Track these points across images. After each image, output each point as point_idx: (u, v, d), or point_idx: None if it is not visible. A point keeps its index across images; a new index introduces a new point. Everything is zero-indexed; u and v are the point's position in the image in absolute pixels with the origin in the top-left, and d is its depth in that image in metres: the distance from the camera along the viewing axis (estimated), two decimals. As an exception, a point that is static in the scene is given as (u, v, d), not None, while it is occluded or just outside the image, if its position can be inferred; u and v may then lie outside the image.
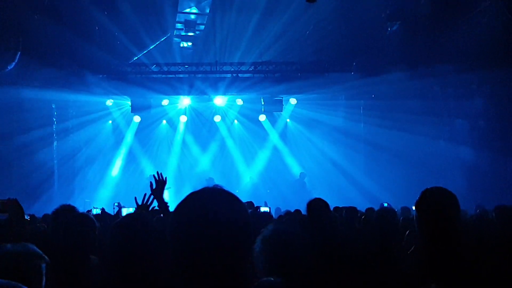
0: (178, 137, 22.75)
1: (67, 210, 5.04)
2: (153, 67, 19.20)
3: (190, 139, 22.80)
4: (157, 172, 4.97)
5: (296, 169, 22.31)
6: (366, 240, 5.57)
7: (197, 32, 19.45)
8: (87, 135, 21.50)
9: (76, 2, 16.63)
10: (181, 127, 22.62)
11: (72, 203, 6.30)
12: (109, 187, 21.51)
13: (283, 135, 23.01)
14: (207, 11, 18.56)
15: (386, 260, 4.65)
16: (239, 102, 21.39)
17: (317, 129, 22.22)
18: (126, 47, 18.42)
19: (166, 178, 5.01)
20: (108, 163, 22.16)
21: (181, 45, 20.29)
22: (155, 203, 5.09)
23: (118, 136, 22.42)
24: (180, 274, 1.90)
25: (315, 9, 17.46)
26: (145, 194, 5.01)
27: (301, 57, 19.53)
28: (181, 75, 19.36)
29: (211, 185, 2.10)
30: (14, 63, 15.11)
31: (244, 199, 2.16)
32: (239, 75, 19.30)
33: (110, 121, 22.27)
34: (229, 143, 22.87)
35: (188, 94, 20.21)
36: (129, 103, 20.20)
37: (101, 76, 18.48)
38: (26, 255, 2.93)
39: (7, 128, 17.71)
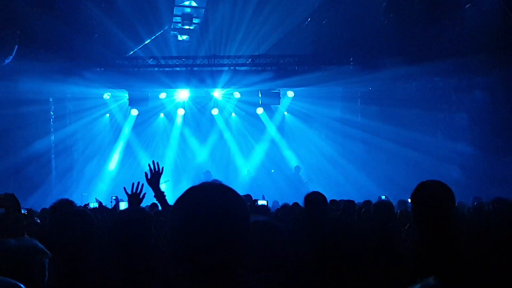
0: (176, 130, 22.72)
1: (65, 205, 5.04)
2: (151, 61, 19.16)
3: (187, 132, 22.78)
4: (153, 162, 4.89)
5: (293, 162, 22.32)
6: (364, 232, 5.58)
7: (194, 25, 19.41)
8: (85, 128, 21.49)
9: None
10: (179, 120, 22.57)
11: (69, 197, 6.31)
12: (106, 181, 21.48)
13: (281, 128, 22.99)
14: (204, 4, 18.51)
15: (384, 253, 4.67)
16: (237, 95, 21.37)
17: (314, 122, 22.22)
18: (124, 41, 18.37)
19: (162, 168, 4.91)
20: (106, 157, 22.13)
21: (179, 38, 20.25)
22: (147, 192, 5.00)
23: (115, 130, 22.39)
24: (180, 268, 1.91)
25: (312, 2, 17.47)
26: (133, 184, 4.95)
27: (299, 50, 19.51)
28: (178, 68, 19.33)
29: (208, 178, 2.11)
30: (11, 57, 15.08)
31: (241, 192, 2.17)
32: (237, 68, 19.27)
33: (108, 115, 22.23)
34: (227, 136, 22.85)
35: (186, 87, 20.19)
36: (127, 96, 20.16)
37: (98, 69, 18.43)
38: (30, 250, 2.93)
39: (4, 122, 17.69)
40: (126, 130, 22.22)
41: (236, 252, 1.92)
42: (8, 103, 17.69)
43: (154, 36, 19.25)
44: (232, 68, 19.20)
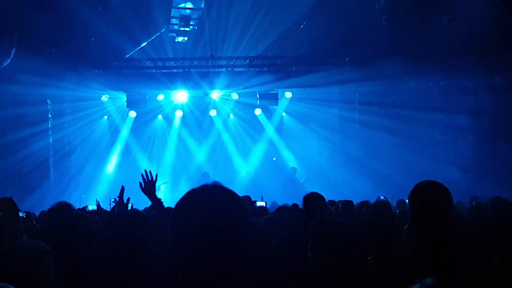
0: (174, 132, 22.74)
1: (63, 208, 5.04)
2: (148, 62, 19.18)
3: (186, 134, 22.80)
4: (145, 171, 4.89)
5: (292, 162, 22.34)
6: (363, 233, 5.58)
7: (192, 27, 19.41)
8: (83, 130, 21.48)
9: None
10: (177, 121, 22.60)
11: (68, 199, 6.29)
12: (105, 183, 21.49)
13: (279, 129, 23.02)
14: (202, 5, 18.51)
15: (383, 253, 4.67)
16: (235, 96, 21.38)
17: (312, 122, 22.24)
18: (121, 43, 18.37)
19: (156, 175, 4.92)
20: (104, 159, 22.14)
21: (176, 39, 20.25)
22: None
23: (113, 132, 22.40)
24: (182, 271, 1.91)
25: (309, 2, 17.47)
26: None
27: (296, 51, 19.52)
28: (176, 70, 19.34)
29: (206, 179, 2.11)
30: (9, 60, 15.08)
31: (240, 193, 2.17)
32: (234, 69, 19.29)
33: (106, 117, 22.24)
34: (225, 137, 22.88)
35: (184, 88, 20.20)
36: (125, 98, 20.16)
37: (96, 71, 18.44)
38: (37, 252, 2.94)
39: (2, 123, 17.68)
40: (125, 132, 22.23)
41: (238, 254, 1.92)
42: (5, 105, 17.67)
43: (152, 38, 19.26)
44: (229, 69, 19.23)
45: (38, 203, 15.18)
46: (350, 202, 8.32)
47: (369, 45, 17.57)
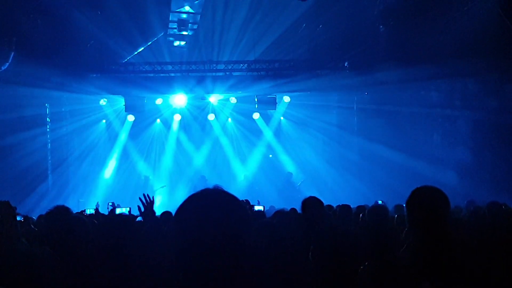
0: (172, 136, 22.74)
1: (61, 211, 5.03)
2: (147, 66, 19.20)
3: (184, 138, 22.80)
4: (144, 195, 4.97)
5: (290, 166, 22.36)
6: (360, 237, 5.58)
7: (191, 31, 19.44)
8: (81, 134, 21.46)
9: (71, 2, 16.60)
10: (175, 125, 22.60)
11: (66, 203, 6.29)
12: (103, 187, 21.48)
13: (277, 133, 23.03)
14: (200, 10, 18.54)
15: (380, 257, 4.67)
16: (233, 100, 21.40)
17: (310, 126, 22.25)
18: (120, 47, 18.40)
19: (153, 197, 4.99)
20: (102, 163, 22.12)
21: (175, 44, 20.27)
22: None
23: (112, 136, 22.38)
24: (184, 275, 1.91)
25: (307, 7, 17.50)
26: (141, 198, 4.98)
27: (294, 55, 19.55)
28: (174, 74, 19.36)
29: (203, 183, 2.11)
30: (7, 64, 15.09)
31: (238, 197, 2.17)
32: (233, 73, 19.32)
33: (104, 120, 22.22)
34: (223, 141, 22.88)
35: (182, 92, 20.20)
36: (123, 102, 20.16)
37: (94, 75, 18.46)
38: (36, 256, 2.94)
39: (0, 127, 17.67)
40: (123, 136, 22.21)
41: (239, 257, 1.92)
42: (4, 108, 17.66)
43: (150, 42, 19.29)
44: (228, 73, 19.26)
45: (36, 207, 15.17)
46: (348, 206, 8.32)
47: (368, 49, 17.59)
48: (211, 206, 1.94)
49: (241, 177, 22.51)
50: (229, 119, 23.02)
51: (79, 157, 21.52)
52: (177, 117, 22.32)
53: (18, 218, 5.38)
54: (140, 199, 4.92)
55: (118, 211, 11.12)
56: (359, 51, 17.91)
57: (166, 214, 8.21)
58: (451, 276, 3.12)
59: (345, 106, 21.33)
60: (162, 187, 21.29)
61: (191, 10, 18.44)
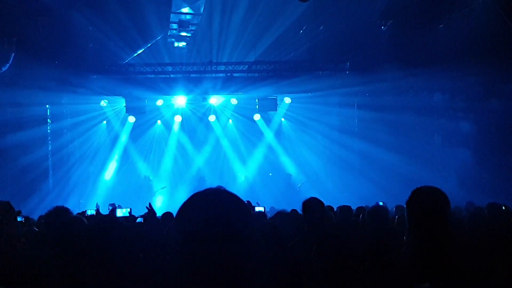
0: (173, 137, 22.74)
1: (61, 212, 5.02)
2: (147, 68, 19.21)
3: (185, 139, 22.81)
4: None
5: (290, 167, 22.35)
6: (361, 238, 5.59)
7: (191, 32, 19.45)
8: (82, 135, 21.46)
9: (71, 3, 16.62)
10: (176, 127, 22.60)
11: (66, 203, 6.29)
12: (103, 187, 21.48)
13: (278, 134, 23.02)
14: (201, 11, 18.55)
15: (381, 258, 4.67)
16: (234, 101, 21.41)
17: (311, 127, 22.23)
18: (120, 48, 18.41)
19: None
20: (103, 164, 22.12)
21: (175, 45, 20.28)
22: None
23: (112, 137, 22.39)
24: (186, 271, 1.90)
25: (308, 8, 17.48)
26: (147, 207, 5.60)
27: (295, 57, 19.56)
28: (174, 75, 19.37)
29: (203, 184, 2.12)
30: (8, 65, 15.11)
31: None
32: (234, 74, 19.32)
33: (105, 121, 22.23)
34: (224, 142, 22.88)
35: (183, 94, 20.21)
36: (124, 103, 20.18)
37: (95, 76, 18.48)
38: (37, 256, 2.95)
39: (1, 128, 17.69)
40: (123, 137, 22.21)
41: (241, 256, 1.92)
42: (5, 109, 17.68)
43: (151, 43, 19.30)
44: (229, 74, 19.26)
45: (37, 207, 15.16)
46: (348, 207, 8.31)
47: (368, 50, 17.58)
48: (214, 205, 1.94)
49: (242, 178, 22.51)
50: (230, 120, 23.02)
51: (80, 158, 21.54)
52: (177, 118, 22.32)
53: (19, 219, 5.38)
54: (147, 207, 5.33)
55: (118, 211, 11.13)
56: (360, 52, 17.89)
57: (167, 214, 8.22)
58: (451, 276, 3.12)
59: (346, 107, 21.31)
60: (163, 188, 21.31)
61: (191, 11, 18.45)
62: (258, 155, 22.87)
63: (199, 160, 22.72)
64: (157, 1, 17.71)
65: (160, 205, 19.79)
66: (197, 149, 22.87)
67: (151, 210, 6.01)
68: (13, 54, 15.06)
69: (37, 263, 3.28)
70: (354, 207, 9.29)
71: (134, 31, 18.06)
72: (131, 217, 10.00)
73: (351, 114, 21.35)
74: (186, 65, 19.55)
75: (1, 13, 14.58)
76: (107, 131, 22.45)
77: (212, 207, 1.92)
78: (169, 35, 19.67)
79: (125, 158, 22.37)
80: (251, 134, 22.88)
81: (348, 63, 18.82)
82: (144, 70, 19.23)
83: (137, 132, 22.33)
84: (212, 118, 22.37)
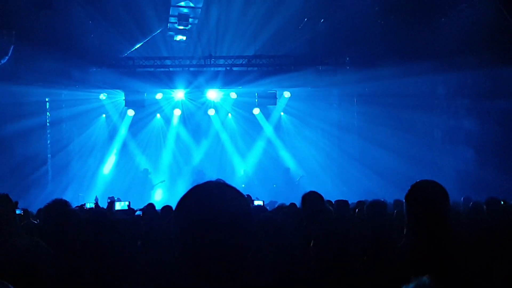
0: (172, 131, 22.73)
1: (59, 205, 5.02)
2: (147, 61, 19.19)
3: (184, 133, 22.80)
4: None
5: (290, 162, 22.34)
6: (359, 232, 5.59)
7: (191, 26, 19.42)
8: (81, 128, 21.46)
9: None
10: (175, 120, 22.59)
11: (65, 196, 6.28)
12: (102, 181, 21.49)
13: (277, 129, 23.01)
14: (201, 4, 18.51)
15: (379, 252, 4.68)
16: (233, 95, 21.39)
17: (310, 122, 22.22)
18: (120, 41, 18.37)
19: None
20: (102, 157, 22.12)
21: (175, 38, 20.25)
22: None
23: (111, 130, 22.38)
24: (185, 263, 1.90)
25: (308, 1, 17.45)
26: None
27: (295, 51, 19.52)
28: (174, 69, 19.35)
29: (201, 177, 2.11)
30: (7, 57, 15.08)
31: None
32: (233, 68, 19.31)
33: (104, 115, 22.21)
34: (223, 136, 22.87)
35: (182, 87, 20.19)
36: (123, 96, 20.15)
37: (94, 69, 18.46)
38: (36, 250, 2.95)
39: (0, 120, 17.67)
40: (123, 130, 22.20)
41: (242, 250, 1.92)
42: (3, 102, 17.65)
43: (150, 37, 19.26)
44: (228, 68, 19.24)
45: (36, 200, 15.16)
46: (346, 201, 8.34)
47: (368, 45, 17.54)
48: (214, 197, 1.94)
49: (241, 172, 22.51)
50: (229, 114, 23.00)
51: (79, 151, 21.53)
52: (177, 112, 22.31)
53: (17, 212, 5.38)
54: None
55: (117, 205, 11.14)
56: (360, 46, 17.85)
57: (166, 208, 8.24)
58: (450, 271, 3.12)
59: (346, 101, 21.30)
60: (162, 181, 21.33)
61: (191, 4, 18.42)
62: (257, 149, 22.87)
63: (198, 153, 22.71)
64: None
65: (160, 198, 19.82)
66: (196, 143, 22.86)
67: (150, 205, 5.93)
68: (12, 47, 15.03)
69: (34, 256, 3.27)
70: (353, 201, 9.31)
71: (134, 24, 18.02)
72: (130, 210, 10.01)
73: (351, 109, 21.33)
74: (185, 59, 19.52)
75: (0, 5, 14.54)
76: (106, 124, 22.42)
77: (212, 199, 1.92)
78: (169, 28, 19.63)
79: (124, 151, 22.35)
80: (250, 128, 22.86)
81: (348, 57, 18.77)
82: (144, 64, 19.21)
83: (136, 126, 22.30)
84: (211, 112, 22.35)
